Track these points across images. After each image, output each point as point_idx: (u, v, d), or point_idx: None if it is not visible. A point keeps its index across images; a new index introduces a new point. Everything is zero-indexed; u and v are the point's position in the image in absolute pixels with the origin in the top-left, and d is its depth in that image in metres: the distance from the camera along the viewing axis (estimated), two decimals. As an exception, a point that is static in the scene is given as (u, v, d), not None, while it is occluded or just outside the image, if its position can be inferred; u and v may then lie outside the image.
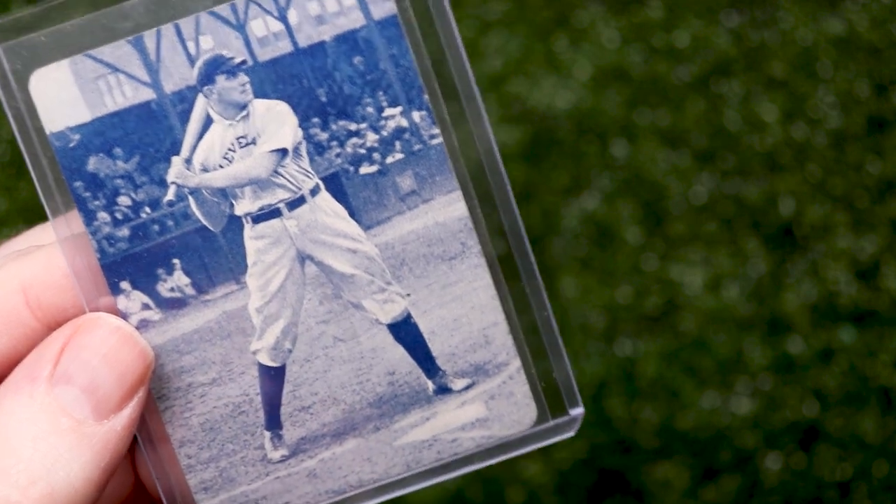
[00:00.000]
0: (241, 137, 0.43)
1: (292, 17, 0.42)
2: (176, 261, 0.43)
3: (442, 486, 1.20)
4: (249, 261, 0.43)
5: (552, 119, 1.38)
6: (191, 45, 0.42)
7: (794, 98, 1.35)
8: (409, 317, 0.44)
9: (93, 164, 0.42)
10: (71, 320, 0.42)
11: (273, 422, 0.45)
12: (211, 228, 0.43)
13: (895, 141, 1.31)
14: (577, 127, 1.37)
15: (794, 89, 1.36)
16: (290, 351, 0.44)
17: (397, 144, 0.43)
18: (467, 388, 0.45)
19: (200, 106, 0.42)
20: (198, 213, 0.43)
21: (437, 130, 0.43)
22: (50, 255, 0.43)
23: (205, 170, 0.43)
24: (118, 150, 0.42)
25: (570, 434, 0.46)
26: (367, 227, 0.44)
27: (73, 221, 0.42)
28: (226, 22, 0.42)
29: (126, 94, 0.42)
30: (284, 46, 0.42)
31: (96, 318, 0.42)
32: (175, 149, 0.42)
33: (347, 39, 0.42)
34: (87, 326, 0.42)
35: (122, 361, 0.41)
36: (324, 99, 0.43)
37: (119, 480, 0.49)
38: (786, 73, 1.36)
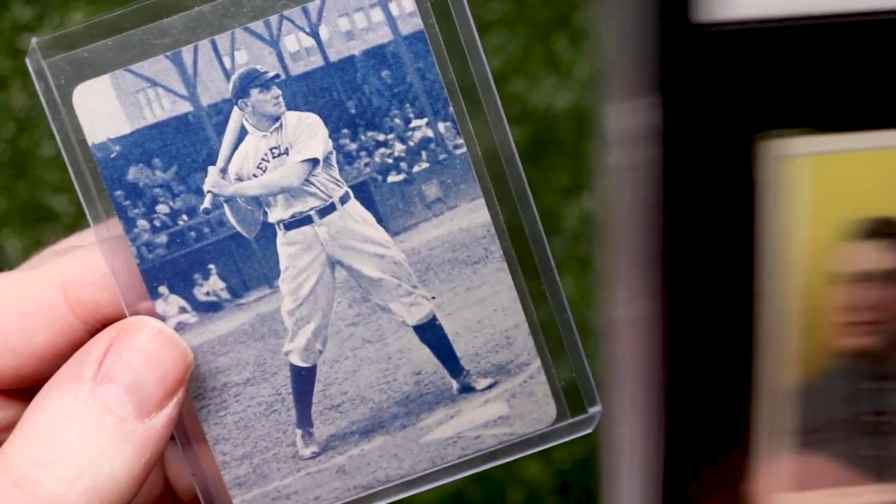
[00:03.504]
0: (274, 148, 0.45)
1: (323, 32, 0.44)
2: (212, 266, 0.45)
3: (441, 486, 1.21)
4: (282, 266, 0.45)
5: (552, 119, 1.40)
6: (226, 60, 0.44)
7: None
8: (434, 319, 0.46)
9: (133, 174, 0.44)
10: (114, 323, 0.44)
11: (304, 420, 0.46)
12: (245, 235, 0.45)
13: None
14: (577, 127, 1.39)
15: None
16: (320, 352, 0.46)
17: (423, 154, 0.45)
18: (490, 387, 0.47)
19: (235, 118, 0.44)
20: (232, 221, 0.45)
21: (461, 140, 0.45)
22: (89, 254, 0.45)
23: (239, 179, 0.45)
24: (157, 161, 0.44)
25: (588, 431, 0.48)
26: (394, 234, 0.46)
27: (111, 227, 0.44)
28: (260, 38, 0.44)
29: (164, 107, 0.44)
30: (316, 61, 0.44)
31: (139, 321, 0.44)
32: (211, 159, 0.44)
33: (376, 54, 0.44)
34: (129, 329, 0.43)
35: (164, 362, 0.43)
36: (353, 111, 0.45)
37: (150, 482, 0.51)
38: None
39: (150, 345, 0.43)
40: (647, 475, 0.41)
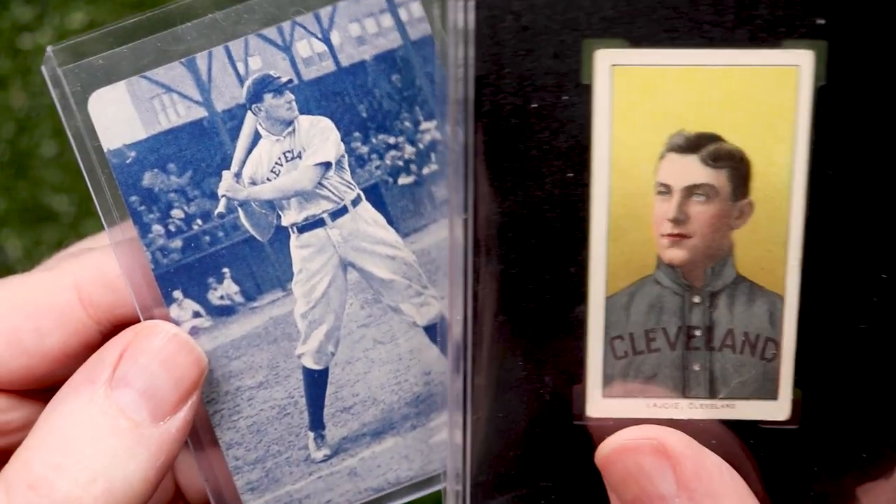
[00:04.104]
0: (288, 152, 0.45)
1: (335, 38, 0.45)
2: (226, 270, 0.45)
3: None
4: (295, 269, 0.46)
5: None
6: (240, 66, 0.44)
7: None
8: (444, 318, 0.47)
9: (148, 179, 0.44)
10: (129, 326, 0.44)
11: (316, 423, 0.47)
12: (259, 239, 0.45)
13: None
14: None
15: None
16: (332, 354, 0.46)
17: (433, 156, 0.46)
18: (501, 386, 0.47)
19: (249, 123, 0.44)
20: (247, 225, 0.45)
21: (470, 143, 0.46)
22: (103, 257, 0.45)
23: (253, 183, 0.45)
24: (172, 166, 0.44)
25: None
26: (404, 235, 0.46)
27: (126, 230, 0.44)
28: (273, 43, 0.44)
29: (179, 113, 0.44)
30: (327, 66, 0.45)
31: (154, 325, 0.44)
32: (225, 163, 0.45)
33: (386, 58, 0.45)
34: (144, 333, 0.44)
35: (179, 367, 0.44)
36: (364, 114, 0.45)
37: (160, 486, 0.51)
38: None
39: (166, 349, 0.44)
40: (472, 376, 0.43)
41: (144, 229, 0.45)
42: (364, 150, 0.46)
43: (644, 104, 0.42)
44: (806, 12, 0.42)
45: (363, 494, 0.48)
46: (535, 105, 0.41)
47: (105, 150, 0.44)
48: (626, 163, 0.42)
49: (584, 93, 0.42)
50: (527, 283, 0.42)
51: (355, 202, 0.46)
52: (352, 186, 0.46)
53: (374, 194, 0.46)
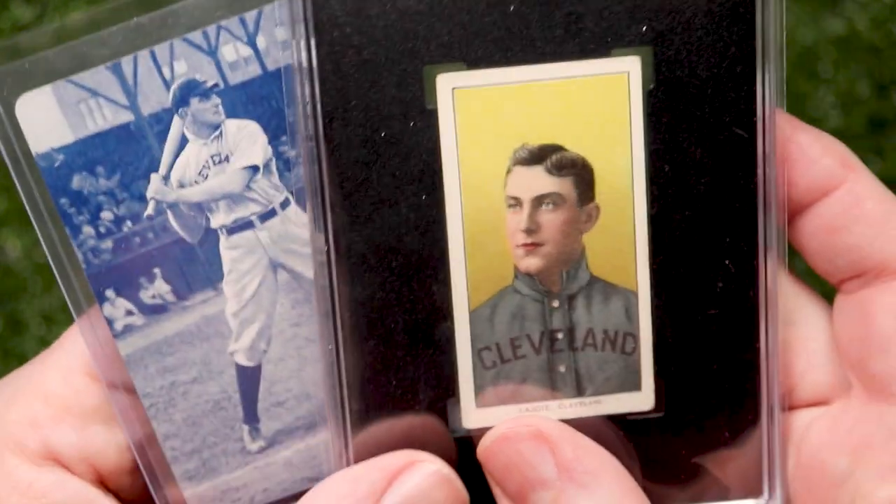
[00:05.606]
0: (215, 155, 0.45)
1: (260, 42, 0.45)
2: (157, 270, 0.46)
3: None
4: (225, 269, 0.46)
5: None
6: (166, 71, 0.44)
7: (795, 98, 1.35)
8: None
9: (77, 182, 0.45)
10: (394, 453, 0.44)
11: (250, 416, 0.48)
12: (189, 240, 0.46)
13: (895, 141, 1.31)
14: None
15: (794, 89, 1.35)
16: (264, 351, 0.47)
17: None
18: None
19: (176, 127, 0.45)
20: (176, 226, 0.46)
21: (399, 146, 0.46)
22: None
23: (181, 186, 0.45)
24: (100, 169, 0.45)
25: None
26: (335, 236, 0.47)
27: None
28: (198, 48, 0.44)
29: (106, 117, 0.44)
30: (253, 70, 0.45)
31: (419, 461, 0.44)
32: (153, 167, 0.45)
33: (313, 63, 0.45)
34: (413, 467, 0.44)
35: None
36: (291, 118, 0.45)
37: None
38: (786, 72, 1.36)
39: (434, 490, 0.43)
40: (349, 401, 0.45)
41: (75, 231, 0.45)
42: (292, 153, 0.46)
43: (488, 122, 0.43)
44: (630, 21, 0.43)
45: (299, 483, 0.49)
46: (384, 134, 0.43)
47: (33, 153, 0.44)
48: (476, 181, 0.44)
49: (429, 117, 0.43)
50: (392, 305, 0.44)
51: (284, 205, 0.46)
52: (280, 189, 0.46)
53: (303, 197, 0.46)
